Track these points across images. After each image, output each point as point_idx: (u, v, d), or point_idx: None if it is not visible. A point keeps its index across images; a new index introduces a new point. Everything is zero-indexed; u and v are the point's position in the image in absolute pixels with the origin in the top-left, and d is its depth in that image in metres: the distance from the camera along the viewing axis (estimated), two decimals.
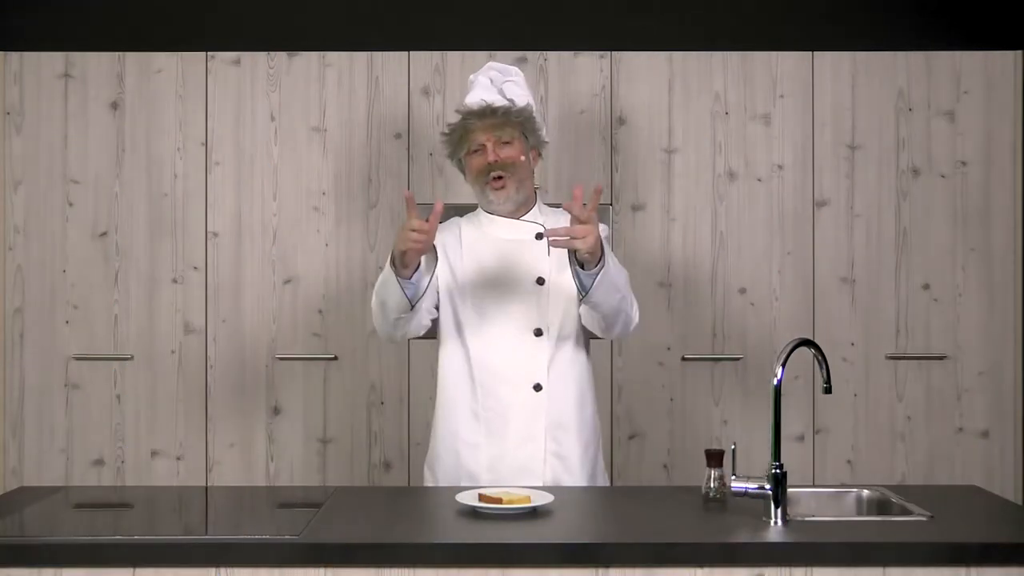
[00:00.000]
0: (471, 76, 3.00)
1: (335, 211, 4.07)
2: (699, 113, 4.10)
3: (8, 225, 4.06)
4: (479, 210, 2.99)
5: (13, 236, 4.06)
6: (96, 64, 4.07)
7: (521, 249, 2.89)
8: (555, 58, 4.09)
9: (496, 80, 2.94)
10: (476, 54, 4.06)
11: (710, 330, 4.08)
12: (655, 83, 4.09)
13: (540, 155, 3.02)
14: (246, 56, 4.09)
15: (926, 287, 4.07)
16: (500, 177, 2.85)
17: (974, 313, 4.06)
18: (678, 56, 4.10)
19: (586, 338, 2.95)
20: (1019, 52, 4.08)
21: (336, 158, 4.08)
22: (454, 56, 4.08)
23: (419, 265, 2.76)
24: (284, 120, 4.08)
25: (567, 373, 2.87)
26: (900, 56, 4.09)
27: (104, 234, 4.07)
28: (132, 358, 4.06)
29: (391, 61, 4.09)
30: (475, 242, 2.92)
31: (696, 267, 4.09)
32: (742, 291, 4.08)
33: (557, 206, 3.02)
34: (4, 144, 4.07)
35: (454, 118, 3.04)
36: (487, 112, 2.88)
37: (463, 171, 2.96)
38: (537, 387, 2.83)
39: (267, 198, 4.08)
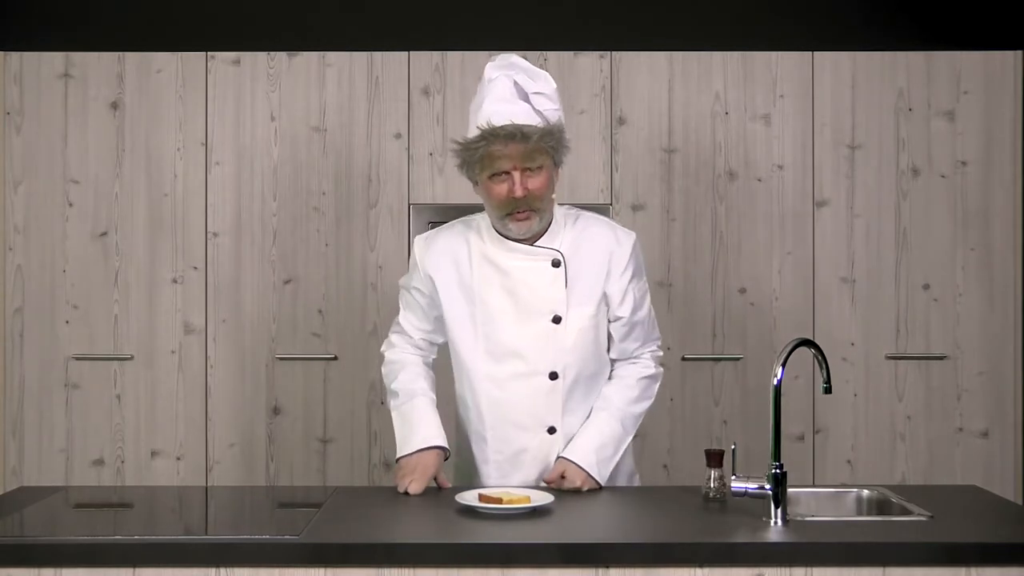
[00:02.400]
0: (488, 70, 2.62)
1: (335, 211, 4.07)
2: (699, 113, 4.10)
3: (8, 225, 4.06)
4: (489, 223, 2.70)
5: (13, 236, 4.06)
6: (96, 64, 4.07)
7: (536, 280, 2.65)
8: (555, 58, 4.09)
9: (523, 86, 2.58)
10: (476, 54, 4.06)
11: (710, 330, 4.08)
12: (655, 83, 4.09)
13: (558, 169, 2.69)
14: (246, 56, 4.09)
15: (926, 287, 4.07)
16: (524, 210, 2.58)
17: (974, 313, 4.06)
18: (678, 56, 4.10)
19: (606, 370, 2.75)
20: (1019, 52, 4.08)
21: (336, 158, 4.08)
22: (454, 56, 4.08)
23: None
24: (284, 120, 4.08)
25: (582, 412, 2.70)
26: (900, 56, 4.09)
27: (104, 234, 4.07)
28: (132, 358, 4.06)
29: (391, 61, 4.09)
30: (485, 273, 2.67)
31: (696, 267, 4.09)
32: (742, 291, 4.08)
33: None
34: (4, 144, 4.07)
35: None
36: (516, 136, 2.52)
37: (474, 183, 2.65)
38: (551, 430, 2.68)
39: (267, 198, 4.08)
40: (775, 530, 2.24)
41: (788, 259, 4.08)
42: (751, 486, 2.34)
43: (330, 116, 4.08)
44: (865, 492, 2.67)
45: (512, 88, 2.57)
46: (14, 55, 4.08)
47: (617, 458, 2.68)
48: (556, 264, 2.65)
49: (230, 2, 4.39)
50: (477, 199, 2.69)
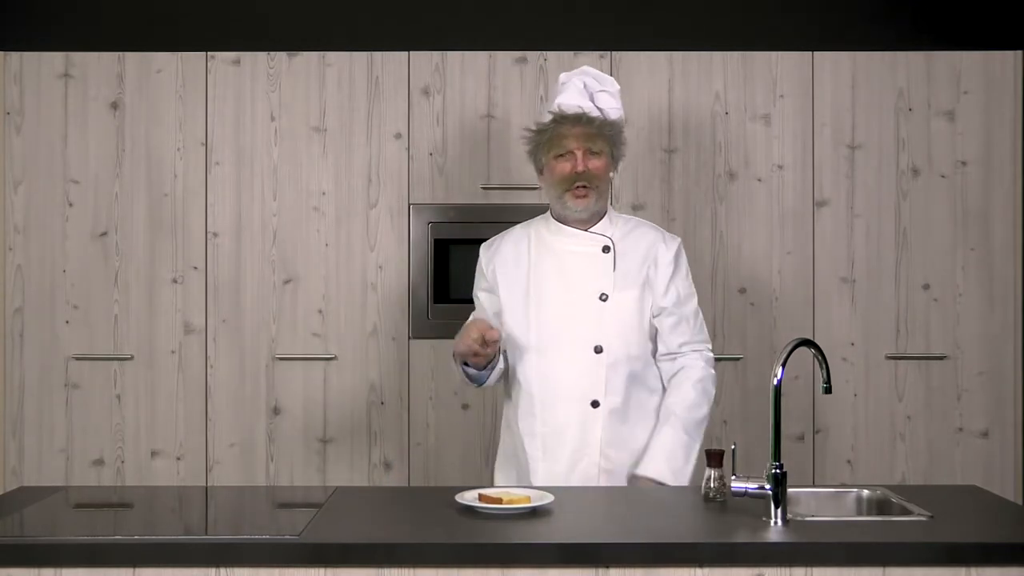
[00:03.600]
0: (562, 76, 2.96)
1: (335, 211, 4.07)
2: (699, 113, 4.10)
3: (8, 225, 4.06)
4: (547, 216, 2.99)
5: (13, 236, 4.06)
6: (96, 64, 4.07)
7: (586, 263, 2.90)
8: (555, 58, 4.09)
9: (590, 87, 2.91)
10: (476, 54, 4.06)
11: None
12: (655, 83, 4.09)
13: (616, 168, 3.01)
14: (246, 56, 4.09)
15: (926, 287, 4.07)
16: (584, 186, 2.85)
17: (974, 313, 4.06)
18: (678, 56, 4.10)
19: (651, 359, 2.92)
20: (1019, 52, 4.08)
21: (336, 158, 4.08)
22: (454, 56, 4.08)
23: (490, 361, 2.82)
24: (284, 120, 4.08)
25: (626, 390, 2.86)
26: (900, 56, 4.09)
27: (104, 234, 4.07)
28: (132, 358, 4.06)
29: (391, 61, 4.09)
30: (541, 256, 2.93)
31: (697, 267, 4.07)
32: (742, 291, 4.08)
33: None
34: (4, 144, 4.07)
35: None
36: (582, 119, 2.85)
37: (540, 171, 2.96)
38: (595, 404, 2.84)
39: (267, 198, 4.08)
40: (775, 530, 2.24)
41: (788, 259, 4.08)
42: (751, 486, 2.34)
43: (330, 116, 4.08)
44: (865, 492, 2.67)
45: (581, 87, 2.90)
46: (14, 55, 4.08)
47: (690, 467, 2.83)
48: (606, 250, 2.90)
49: (230, 2, 4.39)
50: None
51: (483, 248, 3.05)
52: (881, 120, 4.08)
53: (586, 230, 2.93)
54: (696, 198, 4.08)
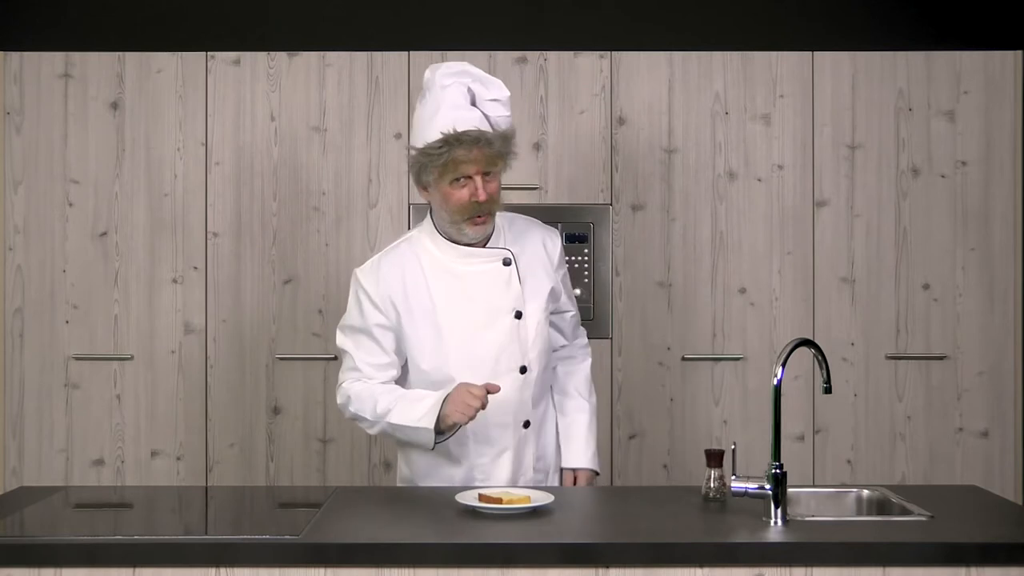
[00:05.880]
0: (439, 77, 2.62)
1: (335, 211, 4.07)
2: (699, 113, 4.10)
3: (8, 225, 4.06)
4: (431, 231, 2.74)
5: (13, 236, 4.06)
6: (96, 64, 4.07)
7: (492, 280, 2.72)
8: (555, 58, 4.09)
9: (476, 93, 2.63)
10: (476, 54, 4.06)
11: (710, 330, 4.08)
12: (655, 83, 4.09)
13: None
14: (246, 56, 4.09)
15: (926, 287, 4.07)
16: (483, 214, 2.64)
17: (974, 313, 4.06)
18: (678, 56, 4.10)
19: (551, 363, 2.91)
20: (1019, 52, 4.08)
21: (336, 158, 4.08)
22: (454, 56, 4.07)
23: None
24: (284, 120, 4.08)
25: (544, 401, 2.85)
26: (900, 56, 4.09)
27: (104, 234, 4.07)
28: (132, 358, 4.06)
29: (391, 61, 4.09)
30: (443, 280, 2.72)
31: (696, 267, 4.09)
32: (742, 291, 4.08)
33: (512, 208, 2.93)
34: (4, 144, 4.07)
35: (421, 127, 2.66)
36: (479, 141, 2.57)
37: (423, 187, 2.68)
38: (526, 424, 2.77)
39: (267, 198, 4.08)
40: (775, 530, 2.24)
41: (788, 259, 4.08)
42: (751, 486, 2.34)
43: (330, 116, 4.08)
44: (865, 492, 2.67)
45: (466, 94, 2.62)
46: (14, 55, 4.08)
47: (591, 445, 2.91)
48: (507, 263, 2.72)
49: (230, 2, 4.39)
50: (444, 227, 2.71)
51: (362, 275, 2.73)
52: (881, 120, 4.08)
53: (483, 245, 2.73)
54: (696, 198, 4.08)
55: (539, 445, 2.83)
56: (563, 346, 2.93)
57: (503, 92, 2.66)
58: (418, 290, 2.70)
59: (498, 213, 2.76)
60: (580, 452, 2.86)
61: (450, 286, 2.71)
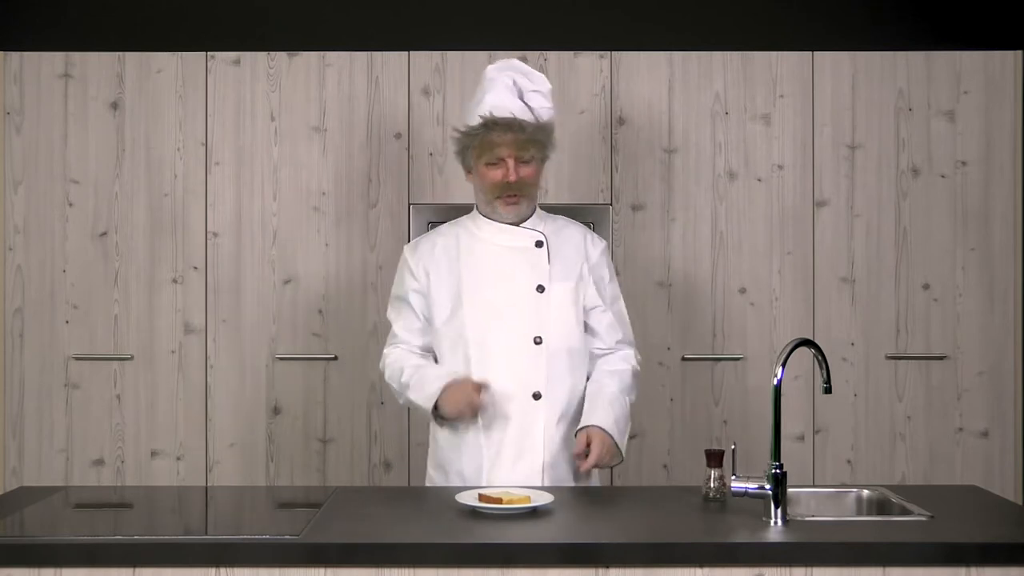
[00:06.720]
0: (489, 71, 2.88)
1: (335, 211, 4.07)
2: (699, 113, 4.10)
3: (8, 225, 4.06)
4: (475, 214, 2.96)
5: (13, 236, 4.06)
6: (96, 64, 4.07)
7: (521, 256, 2.87)
8: (555, 58, 4.09)
9: (521, 86, 2.85)
10: (476, 54, 4.06)
11: (710, 330, 4.08)
12: (655, 83, 4.09)
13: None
14: (246, 56, 4.09)
15: (926, 287, 4.07)
16: (515, 194, 2.83)
17: (974, 313, 4.06)
18: (678, 56, 4.10)
19: (588, 351, 2.91)
20: (1019, 52, 4.08)
21: (336, 158, 4.08)
22: (454, 56, 4.08)
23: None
24: (284, 120, 4.08)
25: (566, 382, 2.84)
26: (900, 56, 4.09)
27: (104, 234, 4.07)
28: (132, 358, 4.06)
29: (391, 61, 4.09)
30: (474, 251, 2.89)
31: (696, 267, 4.09)
32: (742, 291, 4.08)
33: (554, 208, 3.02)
34: (4, 144, 4.07)
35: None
36: (513, 126, 2.79)
37: (468, 171, 2.90)
38: (536, 395, 2.80)
39: (267, 198, 4.08)
40: (775, 530, 2.24)
41: (788, 259, 4.08)
42: (751, 486, 2.34)
43: (330, 116, 4.08)
44: (865, 492, 2.67)
45: (511, 86, 2.84)
46: (14, 55, 4.08)
47: (625, 439, 2.83)
48: (539, 244, 2.88)
49: (230, 2, 4.39)
50: (480, 206, 2.85)
51: (409, 249, 2.98)
52: (881, 120, 4.08)
53: (517, 226, 2.90)
54: (696, 198, 4.08)
55: (554, 426, 2.79)
56: (601, 351, 2.93)
57: (545, 85, 2.89)
58: (449, 258, 2.90)
59: (551, 215, 2.98)
60: (591, 412, 2.78)
61: (479, 256, 2.88)
